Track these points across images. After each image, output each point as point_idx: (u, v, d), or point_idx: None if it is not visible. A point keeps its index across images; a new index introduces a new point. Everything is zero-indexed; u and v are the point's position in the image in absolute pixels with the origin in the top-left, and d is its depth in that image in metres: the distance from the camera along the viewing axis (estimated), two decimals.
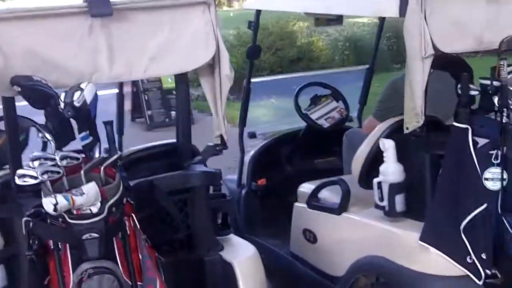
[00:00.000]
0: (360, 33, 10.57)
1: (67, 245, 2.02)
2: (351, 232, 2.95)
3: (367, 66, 4.13)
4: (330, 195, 3.15)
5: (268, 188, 3.82)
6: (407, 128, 2.61)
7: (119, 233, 2.08)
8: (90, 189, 1.96)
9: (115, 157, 2.09)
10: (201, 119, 8.12)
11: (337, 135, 3.82)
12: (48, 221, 2.01)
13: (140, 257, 2.12)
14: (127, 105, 7.75)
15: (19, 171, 2.00)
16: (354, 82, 4.30)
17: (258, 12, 3.64)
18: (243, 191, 3.86)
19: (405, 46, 2.50)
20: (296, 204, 3.33)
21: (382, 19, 4.05)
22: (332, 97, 3.82)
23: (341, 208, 2.98)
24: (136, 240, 2.13)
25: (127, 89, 7.66)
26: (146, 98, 8.01)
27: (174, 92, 8.20)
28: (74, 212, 1.96)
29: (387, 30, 10.67)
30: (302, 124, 4.03)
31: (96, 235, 1.97)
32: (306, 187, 3.33)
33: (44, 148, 2.25)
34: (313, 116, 3.73)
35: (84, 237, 1.96)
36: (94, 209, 1.97)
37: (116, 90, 3.38)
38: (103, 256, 2.00)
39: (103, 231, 1.98)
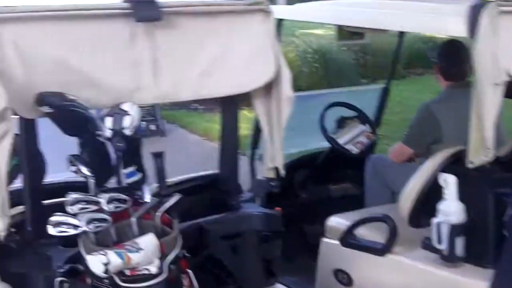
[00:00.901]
0: (328, 45, 10.34)
1: None
2: (398, 277, 2.62)
3: (384, 85, 3.85)
4: (368, 232, 2.81)
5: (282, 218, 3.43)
6: (471, 163, 2.33)
7: None
8: (149, 243, 1.53)
9: (173, 200, 1.67)
10: (172, 131, 7.63)
11: (355, 161, 3.50)
12: (89, 281, 1.57)
13: None
14: None
15: (54, 218, 1.54)
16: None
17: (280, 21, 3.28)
18: None
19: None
20: (326, 240, 2.97)
21: (401, 36, 3.77)
22: (359, 119, 3.49)
23: (385, 249, 2.65)
24: None
25: None
26: None
27: None
28: (128, 272, 1.52)
29: (355, 44, 10.54)
30: (314, 145, 3.70)
31: None
32: (336, 221, 2.97)
33: None
34: (341, 141, 3.38)
35: None
36: (153, 269, 1.54)
37: None
38: None
39: None
